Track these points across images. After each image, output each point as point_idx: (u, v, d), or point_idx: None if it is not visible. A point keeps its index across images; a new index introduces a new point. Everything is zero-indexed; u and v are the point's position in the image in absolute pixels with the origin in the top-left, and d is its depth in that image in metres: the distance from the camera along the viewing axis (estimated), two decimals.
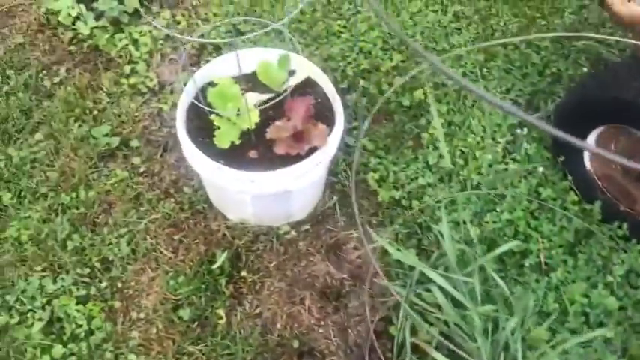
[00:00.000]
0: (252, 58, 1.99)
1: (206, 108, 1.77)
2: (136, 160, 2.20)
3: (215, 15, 2.53)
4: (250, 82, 1.99)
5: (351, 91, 2.34)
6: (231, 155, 1.81)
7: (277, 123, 1.80)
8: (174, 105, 2.31)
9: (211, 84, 1.93)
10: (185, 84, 2.33)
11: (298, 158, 1.78)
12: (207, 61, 2.38)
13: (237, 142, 1.80)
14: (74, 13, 2.40)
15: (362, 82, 2.35)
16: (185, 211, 2.10)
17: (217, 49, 2.42)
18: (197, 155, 1.78)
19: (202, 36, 2.47)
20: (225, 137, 1.77)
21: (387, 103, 2.33)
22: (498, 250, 1.73)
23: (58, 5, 2.41)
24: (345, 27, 2.50)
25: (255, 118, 1.80)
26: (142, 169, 2.19)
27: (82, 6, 2.40)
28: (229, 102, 1.81)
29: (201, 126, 1.88)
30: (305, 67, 1.94)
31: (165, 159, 2.22)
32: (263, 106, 1.80)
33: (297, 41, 2.44)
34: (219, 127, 1.79)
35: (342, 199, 2.13)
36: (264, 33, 2.45)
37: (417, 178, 2.14)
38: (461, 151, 2.20)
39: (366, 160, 2.19)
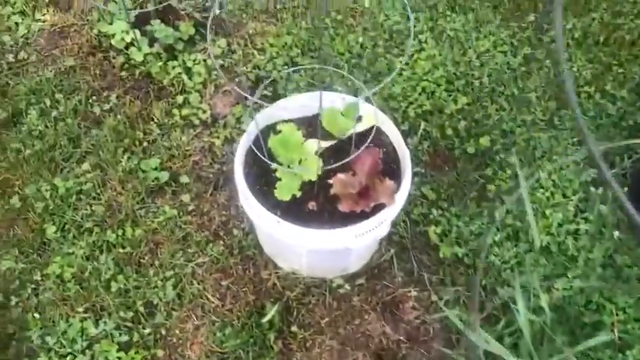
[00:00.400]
0: (314, 100, 1.89)
1: (269, 162, 1.67)
2: (185, 198, 2.10)
3: (272, 45, 2.42)
4: (311, 126, 1.89)
5: (411, 134, 2.22)
6: (290, 206, 1.71)
7: (342, 176, 1.69)
8: (227, 140, 2.22)
9: (272, 127, 1.83)
10: (239, 119, 2.24)
11: (362, 215, 1.66)
12: (263, 95, 2.29)
13: (298, 195, 1.69)
14: (128, 39, 2.31)
15: (423, 125, 2.23)
16: (234, 255, 2.00)
17: (273, 83, 2.32)
18: (255, 206, 1.67)
19: (258, 67, 2.37)
20: (286, 190, 1.66)
21: (450, 149, 2.20)
22: (587, 344, 1.57)
23: (112, 29, 2.33)
24: (407, 64, 2.37)
25: (318, 169, 1.69)
26: (190, 208, 2.09)
27: (137, 31, 2.31)
28: (292, 152, 1.70)
29: (260, 172, 1.77)
30: (372, 115, 1.82)
31: (216, 197, 2.12)
32: (329, 167, 1.68)
33: (356, 78, 2.33)
34: (280, 179, 1.68)
35: (399, 252, 2.00)
36: (323, 68, 2.35)
37: (481, 234, 2.01)
38: None
39: (427, 211, 2.07)
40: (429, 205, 2.08)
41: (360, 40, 2.42)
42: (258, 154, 1.67)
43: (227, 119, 2.27)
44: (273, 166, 1.69)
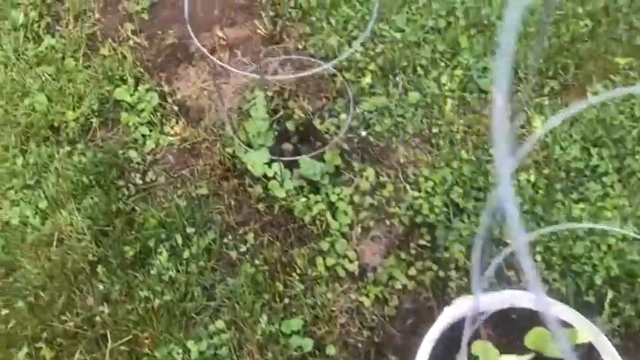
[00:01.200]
0: (499, 300, 1.58)
1: None
2: None
3: (426, 179, 2.12)
4: (499, 326, 1.58)
5: (599, 308, 1.86)
6: None
7: None
8: (377, 300, 1.93)
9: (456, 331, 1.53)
10: (391, 274, 1.95)
11: None
12: (420, 245, 1.99)
13: None
14: (270, 173, 2.06)
15: (611, 295, 1.87)
16: None
17: (431, 228, 2.02)
18: None
19: (411, 207, 2.07)
20: None
21: None
22: None
23: (251, 159, 2.09)
24: (584, 210, 2.02)
25: None
26: None
27: (280, 164, 2.06)
28: None
29: None
30: (587, 330, 1.49)
31: None
32: None
33: (529, 228, 1.99)
34: None
35: None
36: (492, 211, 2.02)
37: None
38: None
39: None
40: None
41: (532, 179, 2.08)
42: None
43: (377, 272, 1.98)
44: None
